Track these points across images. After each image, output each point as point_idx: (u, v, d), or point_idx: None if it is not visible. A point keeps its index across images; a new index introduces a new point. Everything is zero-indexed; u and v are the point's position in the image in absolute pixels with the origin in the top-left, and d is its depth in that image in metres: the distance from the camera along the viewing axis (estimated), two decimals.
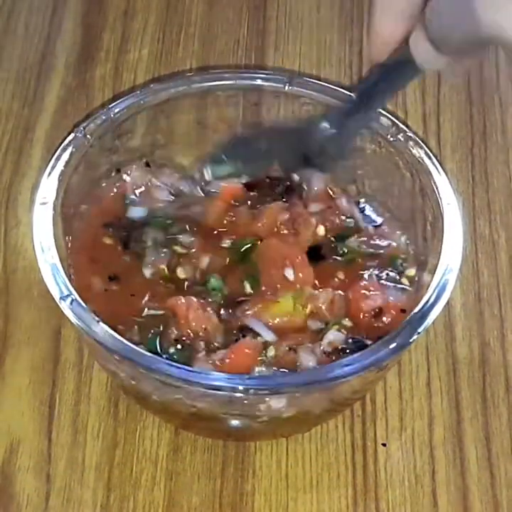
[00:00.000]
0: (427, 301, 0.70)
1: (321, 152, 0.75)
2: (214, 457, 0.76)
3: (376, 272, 0.78)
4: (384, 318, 0.75)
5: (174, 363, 0.67)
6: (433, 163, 0.77)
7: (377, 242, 0.81)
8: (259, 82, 0.82)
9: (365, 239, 0.80)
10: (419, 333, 0.69)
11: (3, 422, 0.77)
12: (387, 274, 0.78)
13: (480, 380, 0.81)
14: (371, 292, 0.76)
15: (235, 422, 0.71)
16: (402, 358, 0.81)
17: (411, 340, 0.69)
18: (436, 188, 0.76)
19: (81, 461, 0.75)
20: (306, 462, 0.76)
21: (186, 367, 0.67)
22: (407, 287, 0.77)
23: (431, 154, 0.78)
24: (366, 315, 0.75)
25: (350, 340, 0.73)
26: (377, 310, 0.75)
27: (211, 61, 1.01)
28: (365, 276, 0.77)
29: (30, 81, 0.98)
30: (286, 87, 0.81)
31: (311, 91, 0.81)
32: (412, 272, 0.78)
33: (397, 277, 0.78)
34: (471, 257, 0.87)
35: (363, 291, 0.76)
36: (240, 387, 0.65)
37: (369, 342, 0.72)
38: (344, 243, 0.80)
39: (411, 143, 0.78)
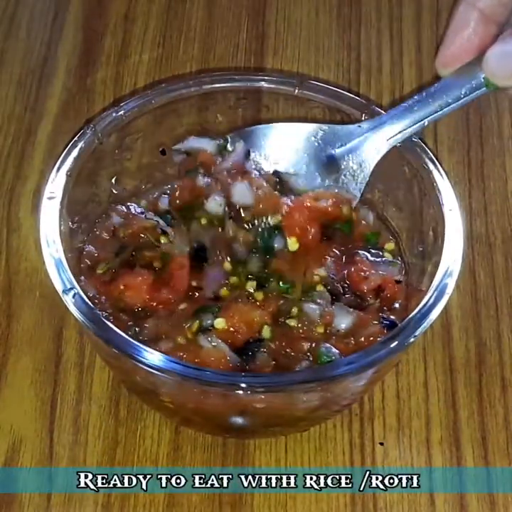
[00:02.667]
0: (426, 304, 0.71)
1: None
2: (214, 456, 0.76)
3: (362, 252, 0.80)
4: (384, 294, 0.78)
5: (174, 359, 0.68)
6: (437, 169, 0.78)
7: None
8: (269, 84, 0.83)
9: None
10: (416, 335, 0.69)
11: (5, 422, 0.78)
12: (371, 252, 0.80)
13: (476, 379, 0.81)
14: (367, 273, 0.78)
15: (235, 419, 0.72)
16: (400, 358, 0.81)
17: (409, 342, 0.69)
18: (439, 194, 0.77)
19: (82, 460, 0.76)
20: (305, 461, 0.77)
21: (186, 363, 0.68)
22: (393, 260, 0.80)
23: (435, 160, 0.78)
24: (369, 294, 0.77)
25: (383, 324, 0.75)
26: (378, 288, 0.78)
27: (211, 65, 1.01)
28: (356, 257, 0.79)
29: (32, 85, 0.99)
30: (296, 91, 0.82)
31: (321, 95, 0.82)
32: (391, 245, 0.81)
33: (380, 253, 0.80)
34: (467, 258, 0.88)
35: (360, 273, 0.78)
36: (242, 385, 0.66)
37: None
38: None
39: (416, 148, 0.79)
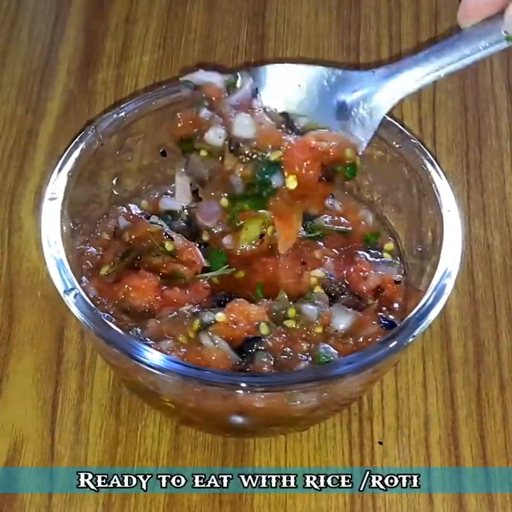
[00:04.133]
0: (425, 304, 0.71)
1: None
2: (214, 455, 0.77)
3: (361, 252, 0.81)
4: (383, 294, 0.78)
5: (175, 359, 0.68)
6: (436, 170, 0.78)
7: (344, 220, 0.83)
8: None
9: (333, 218, 0.83)
10: (414, 336, 0.70)
11: (7, 421, 0.78)
12: (370, 252, 0.81)
13: (475, 379, 0.82)
14: (366, 273, 0.79)
15: (235, 418, 0.73)
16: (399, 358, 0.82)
17: (408, 342, 0.70)
18: (438, 195, 0.77)
19: (83, 459, 0.77)
20: (305, 460, 0.77)
21: (186, 363, 0.68)
22: (392, 260, 0.81)
23: (434, 161, 0.79)
24: (368, 295, 0.78)
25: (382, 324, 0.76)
26: (377, 288, 0.78)
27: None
28: (355, 257, 0.80)
29: (34, 86, 0.99)
30: None
31: None
32: (390, 246, 0.82)
33: (379, 253, 0.81)
34: (466, 258, 0.88)
35: (359, 273, 0.79)
36: (242, 384, 0.67)
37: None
38: (312, 221, 0.82)
39: (415, 149, 0.80)
